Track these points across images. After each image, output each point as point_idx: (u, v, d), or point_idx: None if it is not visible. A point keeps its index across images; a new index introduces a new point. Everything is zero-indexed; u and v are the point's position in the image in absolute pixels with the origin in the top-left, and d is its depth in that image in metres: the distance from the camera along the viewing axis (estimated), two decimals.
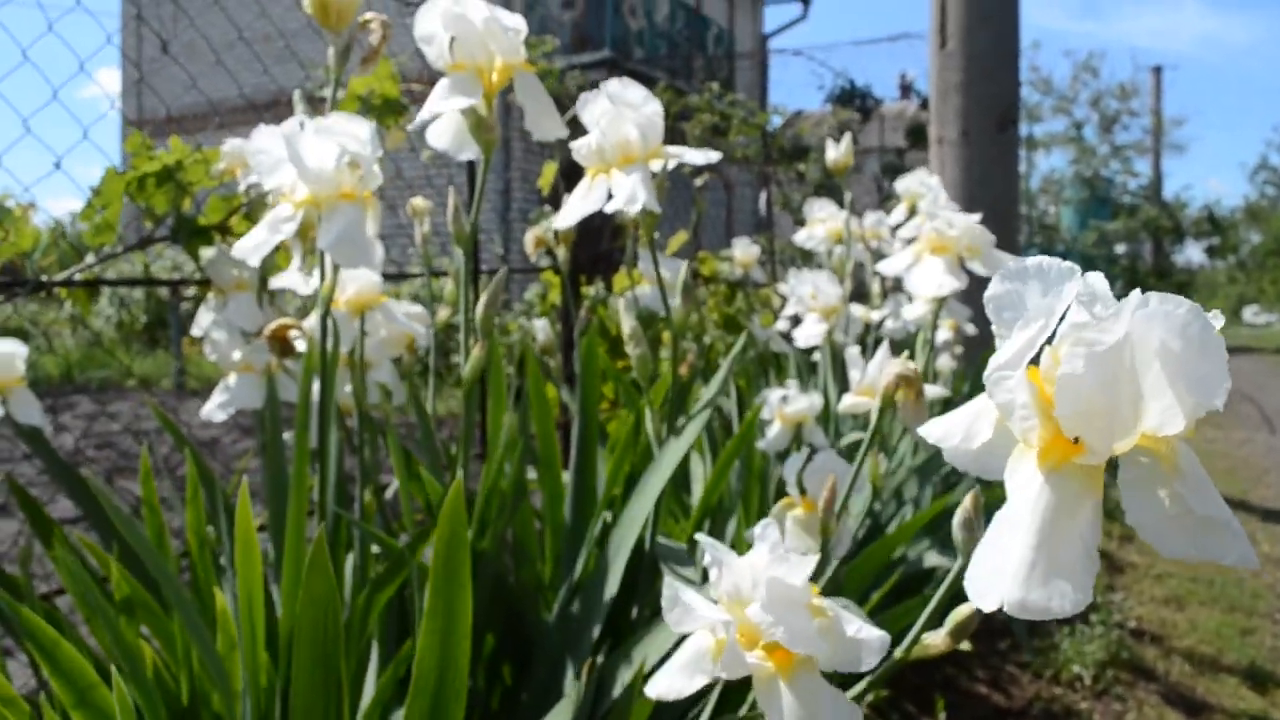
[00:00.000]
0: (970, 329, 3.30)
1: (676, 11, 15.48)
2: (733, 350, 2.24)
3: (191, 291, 8.28)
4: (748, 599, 0.86)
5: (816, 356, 2.95)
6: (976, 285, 2.14)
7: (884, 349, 1.80)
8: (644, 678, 1.11)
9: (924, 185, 3.00)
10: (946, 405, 3.17)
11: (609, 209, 1.18)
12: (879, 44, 14.25)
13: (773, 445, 2.09)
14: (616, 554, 1.54)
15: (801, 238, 3.21)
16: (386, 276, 1.89)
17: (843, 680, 0.89)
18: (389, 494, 1.94)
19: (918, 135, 12.06)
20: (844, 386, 1.93)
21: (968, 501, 0.75)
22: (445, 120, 1.21)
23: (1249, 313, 30.91)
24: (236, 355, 1.76)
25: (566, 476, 1.78)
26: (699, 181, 3.49)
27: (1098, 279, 0.54)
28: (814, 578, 0.87)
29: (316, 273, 1.35)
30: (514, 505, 1.63)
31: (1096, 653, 2.70)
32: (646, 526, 1.58)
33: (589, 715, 1.27)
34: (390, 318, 1.65)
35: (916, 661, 0.86)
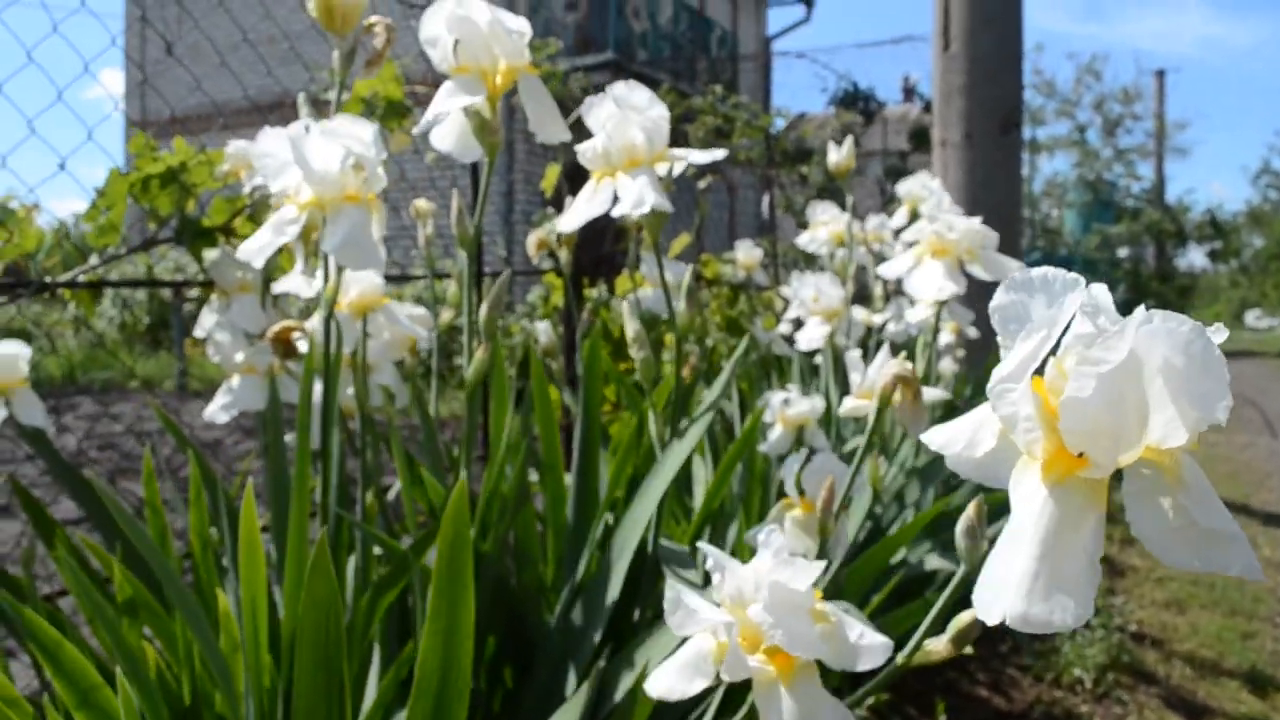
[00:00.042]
0: (973, 332, 3.30)
1: (680, 13, 15.49)
2: (735, 353, 2.24)
3: (194, 293, 8.31)
4: (751, 601, 0.86)
5: (819, 359, 2.95)
6: (979, 287, 2.14)
7: (884, 352, 1.80)
8: (646, 679, 1.11)
9: (925, 188, 3.00)
10: (948, 408, 3.17)
11: (615, 213, 1.18)
12: (882, 46, 14.28)
13: (775, 448, 2.10)
14: (619, 556, 1.54)
15: (804, 240, 3.21)
16: (389, 278, 1.89)
17: (848, 681, 0.89)
18: (391, 495, 1.94)
19: (921, 138, 12.07)
20: (845, 390, 1.93)
21: (971, 510, 0.76)
22: (450, 123, 1.22)
23: (1251, 317, 30.88)
24: (239, 357, 1.76)
25: (569, 479, 1.78)
26: (702, 184, 3.50)
27: (1101, 290, 0.55)
28: (815, 580, 0.87)
29: (319, 275, 1.35)
30: (516, 507, 1.63)
31: (1097, 656, 2.70)
32: (649, 529, 1.58)
33: (591, 718, 1.27)
34: (393, 320, 1.65)
35: (918, 666, 0.87)
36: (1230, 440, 6.94)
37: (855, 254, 2.99)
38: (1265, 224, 28.35)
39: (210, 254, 1.91)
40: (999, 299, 0.57)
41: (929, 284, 1.77)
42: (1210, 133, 78.18)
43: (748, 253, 3.82)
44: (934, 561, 2.21)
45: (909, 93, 17.04)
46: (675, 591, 0.89)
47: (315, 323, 1.48)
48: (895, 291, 3.14)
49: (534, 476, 1.93)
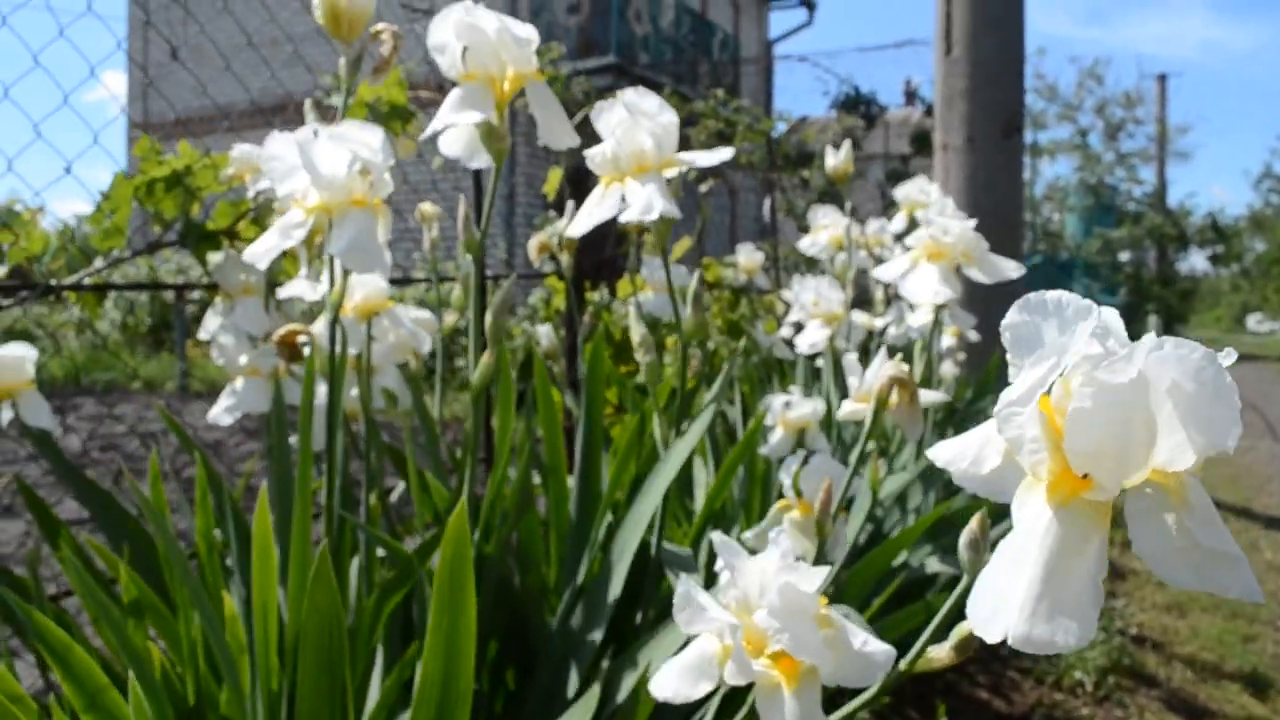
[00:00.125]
0: (973, 335, 3.30)
1: (682, 17, 15.51)
2: (738, 357, 2.25)
3: (196, 294, 8.31)
4: (756, 606, 0.87)
5: (820, 363, 2.96)
6: (978, 289, 2.15)
7: (881, 356, 1.81)
8: (648, 683, 1.12)
9: (924, 193, 3.01)
10: (949, 412, 3.18)
11: (624, 219, 1.19)
12: (884, 50, 14.29)
13: (776, 451, 2.10)
14: (620, 557, 1.55)
15: (806, 244, 3.21)
16: (391, 281, 1.90)
17: (847, 689, 0.90)
18: (393, 497, 1.95)
19: (922, 142, 12.08)
20: (846, 393, 1.93)
21: (974, 523, 0.76)
22: (457, 128, 1.22)
23: (1252, 321, 30.89)
24: (243, 359, 1.77)
25: (571, 481, 1.79)
26: (704, 188, 3.51)
27: (1112, 315, 0.55)
28: (819, 585, 0.88)
29: (324, 279, 1.36)
30: (520, 510, 1.64)
31: (1098, 659, 2.70)
32: (652, 530, 1.59)
33: (597, 718, 1.28)
34: (397, 323, 1.66)
35: (919, 671, 0.87)
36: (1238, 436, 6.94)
37: (855, 258, 3.00)
38: (1267, 228, 28.36)
39: (214, 257, 1.92)
40: (1011, 318, 0.57)
41: (924, 288, 1.77)
42: (1211, 137, 78.24)
43: (749, 256, 3.82)
44: (934, 565, 2.22)
45: (911, 96, 17.05)
46: (686, 587, 0.90)
47: (320, 326, 1.49)
48: (896, 295, 3.15)
49: (536, 479, 1.94)
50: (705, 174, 3.79)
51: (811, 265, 5.56)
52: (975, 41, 4.83)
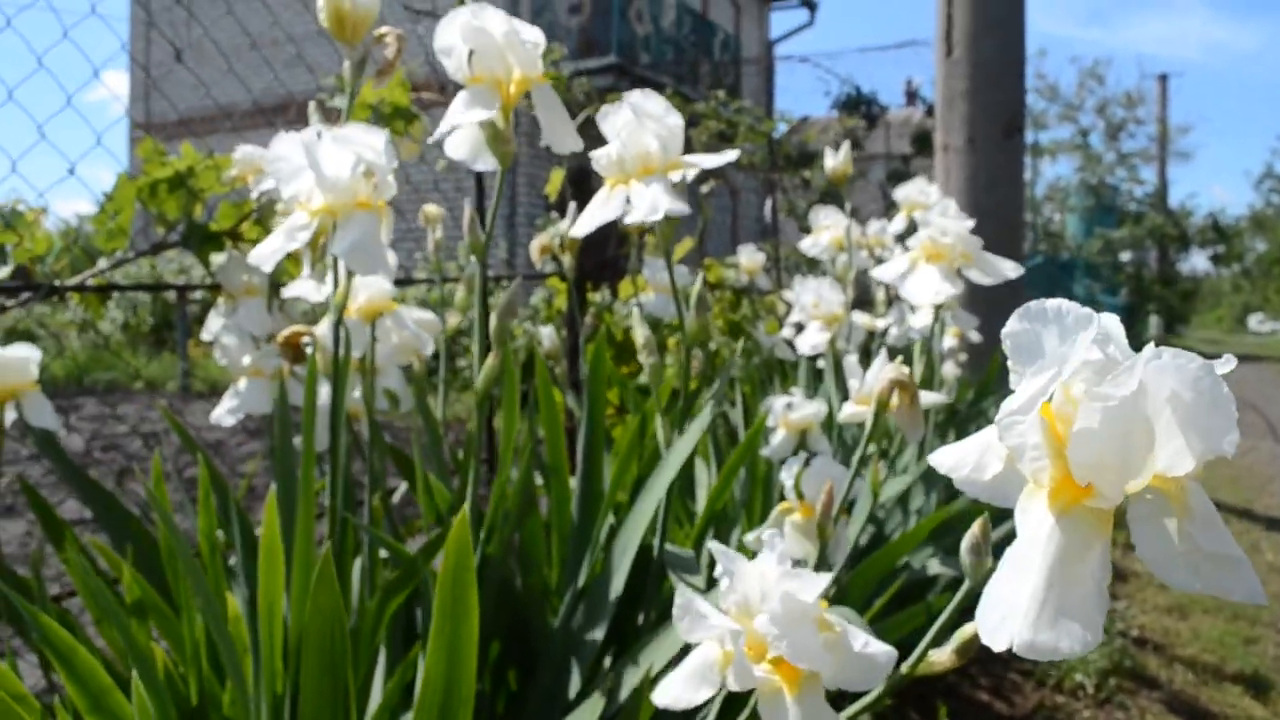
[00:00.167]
0: (975, 336, 3.30)
1: (683, 17, 15.51)
2: (739, 357, 2.25)
3: (198, 294, 8.31)
4: (757, 611, 0.87)
5: (822, 364, 2.96)
6: (981, 291, 2.15)
7: (881, 357, 1.81)
8: (650, 683, 1.12)
9: (924, 193, 3.01)
10: (951, 413, 3.18)
11: (630, 220, 1.19)
12: (885, 51, 14.28)
13: (777, 453, 2.10)
14: (622, 558, 1.55)
15: (807, 245, 3.22)
16: (394, 282, 1.90)
17: (849, 691, 0.90)
18: (395, 498, 1.96)
19: (923, 142, 12.08)
20: (847, 395, 1.94)
21: (976, 527, 0.76)
22: (463, 131, 1.23)
23: (1254, 321, 30.91)
24: (246, 360, 1.77)
25: (573, 482, 1.79)
26: (705, 188, 3.51)
27: (1113, 322, 0.55)
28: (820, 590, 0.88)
29: (328, 280, 1.36)
30: (522, 511, 1.64)
31: (1099, 661, 2.71)
32: (654, 531, 1.59)
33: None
34: (401, 325, 1.66)
35: (921, 675, 0.87)
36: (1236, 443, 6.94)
37: (857, 258, 3.00)
38: (1268, 228, 28.39)
39: (217, 258, 1.92)
40: (1012, 326, 0.58)
41: (924, 289, 1.77)
42: (1213, 137, 78.33)
43: (750, 257, 3.83)
44: (935, 566, 2.22)
45: (912, 96, 17.05)
46: (685, 596, 0.90)
47: (324, 328, 1.50)
48: (897, 296, 3.15)
49: (538, 479, 1.94)
50: (706, 175, 3.78)
51: (813, 266, 5.57)
52: (976, 43, 4.84)
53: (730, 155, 1.25)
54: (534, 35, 1.17)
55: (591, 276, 3.30)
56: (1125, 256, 22.49)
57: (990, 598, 0.55)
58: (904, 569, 2.21)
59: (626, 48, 13.94)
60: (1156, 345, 0.51)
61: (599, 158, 1.22)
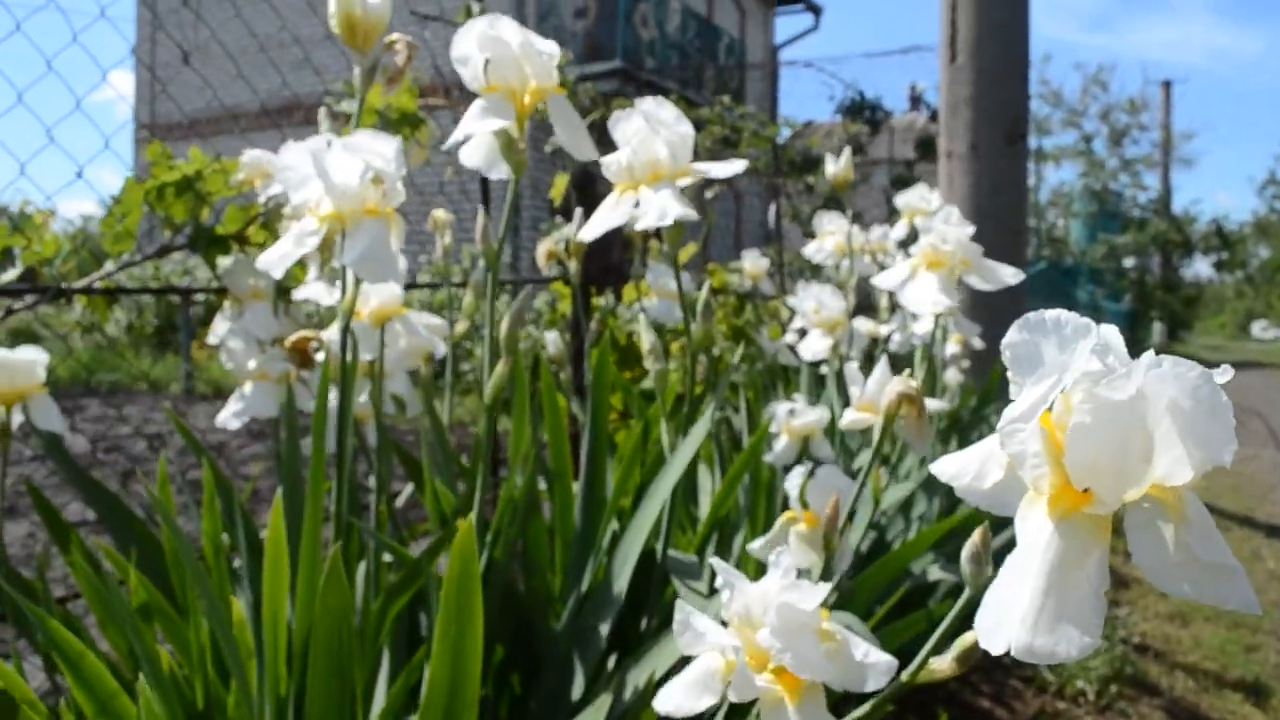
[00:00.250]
0: (978, 343, 3.31)
1: (688, 22, 15.54)
2: (735, 358, 2.25)
3: (201, 296, 8.32)
4: (758, 622, 0.88)
5: (825, 370, 2.97)
6: (984, 297, 2.16)
7: (883, 365, 1.81)
8: (653, 688, 1.13)
9: (925, 200, 3.02)
10: (953, 420, 3.18)
11: (639, 226, 1.20)
12: (890, 56, 14.25)
13: (780, 458, 2.11)
14: (625, 563, 1.56)
15: (811, 250, 3.22)
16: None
17: (850, 699, 0.91)
18: (400, 501, 1.96)
19: (927, 147, 12.08)
20: (849, 401, 1.94)
21: (976, 536, 0.77)
22: (477, 139, 1.24)
23: (1257, 328, 30.89)
24: (252, 364, 1.78)
25: (576, 487, 1.80)
26: (709, 193, 3.51)
27: (1112, 332, 0.56)
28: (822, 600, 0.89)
29: (340, 283, 1.37)
30: (526, 515, 1.65)
31: (1100, 668, 2.71)
32: (657, 536, 1.60)
33: None
34: (411, 330, 1.67)
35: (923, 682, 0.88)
36: (1235, 452, 6.93)
37: (860, 265, 3.00)
38: (1271, 235, 28.38)
39: (224, 261, 1.93)
40: (1012, 336, 0.58)
41: (924, 298, 1.77)
42: (1216, 143, 78.35)
43: (754, 262, 3.83)
44: (936, 573, 2.22)
45: (916, 102, 17.05)
46: (684, 613, 0.91)
47: (332, 332, 1.50)
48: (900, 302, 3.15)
49: (542, 484, 1.95)
50: (711, 180, 3.80)
51: (816, 271, 5.57)
52: (980, 48, 4.84)
53: (739, 166, 1.26)
54: (549, 47, 1.18)
55: (596, 281, 3.31)
56: (1129, 262, 22.48)
57: (989, 602, 0.56)
58: (906, 576, 2.21)
59: (631, 52, 13.96)
60: (1158, 352, 0.52)
61: (609, 164, 1.23)
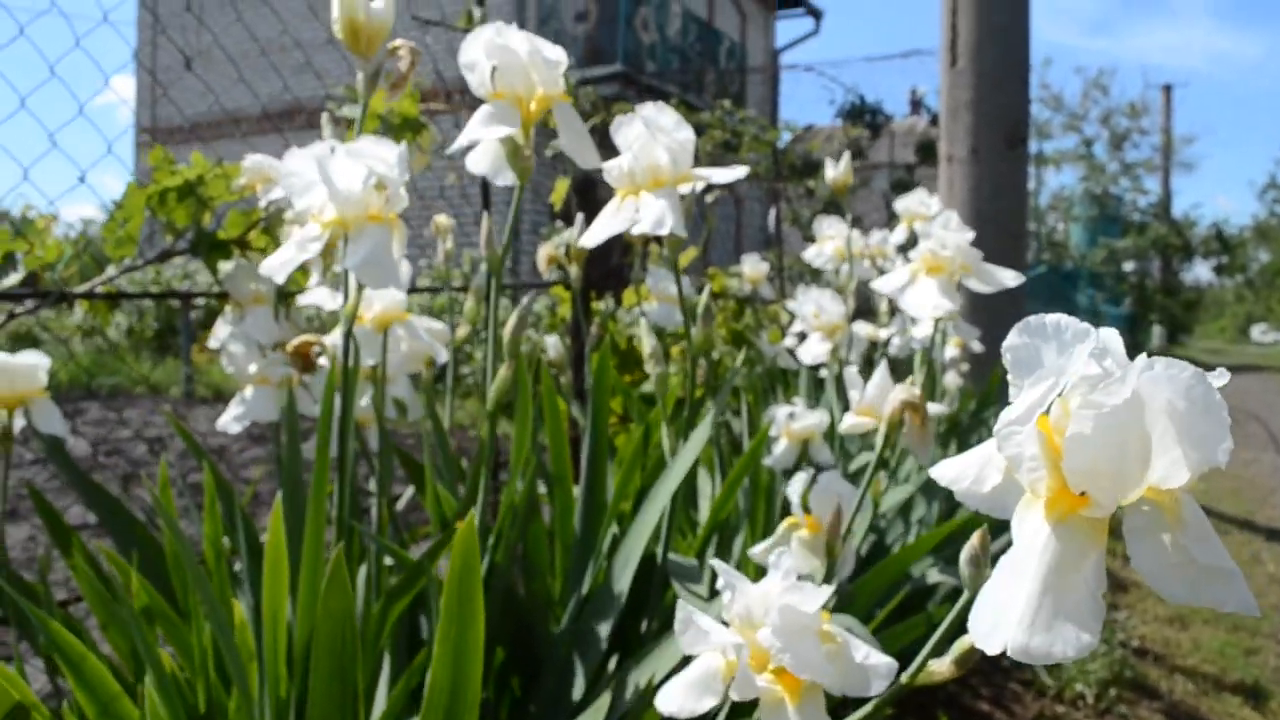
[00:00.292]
0: (977, 346, 3.31)
1: (688, 25, 15.55)
2: (737, 362, 2.26)
3: (200, 299, 8.33)
4: (759, 623, 0.88)
5: (824, 373, 2.97)
6: (984, 301, 2.16)
7: (882, 369, 1.82)
8: (653, 690, 1.13)
9: (924, 205, 3.03)
10: (952, 423, 3.19)
11: (636, 231, 1.20)
12: (890, 60, 14.26)
13: (779, 462, 2.11)
14: (625, 567, 1.56)
15: (811, 255, 3.23)
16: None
17: (849, 701, 0.91)
18: (400, 504, 1.97)
19: (927, 151, 12.08)
20: (849, 405, 1.95)
21: (975, 539, 0.78)
22: (483, 146, 1.24)
23: (1256, 331, 30.90)
24: (253, 368, 1.78)
25: (576, 491, 1.80)
26: (710, 197, 3.52)
27: (1111, 335, 0.57)
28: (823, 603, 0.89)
29: (344, 288, 1.37)
30: (526, 519, 1.66)
31: (1099, 671, 2.71)
32: (657, 540, 1.60)
33: None
34: (414, 335, 1.67)
35: (922, 685, 0.89)
36: (1235, 456, 6.87)
37: (860, 269, 3.01)
38: (1271, 239, 28.39)
39: (225, 266, 1.94)
40: (1011, 340, 0.59)
41: (924, 302, 1.78)
42: (1217, 147, 78.35)
43: (754, 266, 3.84)
44: (935, 576, 2.23)
45: (916, 105, 17.05)
46: (686, 612, 0.91)
47: (335, 337, 1.51)
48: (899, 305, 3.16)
49: (541, 488, 1.95)
50: (711, 184, 3.80)
51: (816, 275, 5.58)
52: (980, 53, 4.85)
53: (740, 172, 1.26)
54: (557, 54, 1.19)
55: (596, 285, 3.31)
56: (1129, 266, 22.50)
57: (985, 603, 0.57)
58: (906, 579, 2.21)
59: (632, 56, 13.98)
60: (1155, 356, 0.53)
61: (610, 169, 1.24)
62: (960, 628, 0.77)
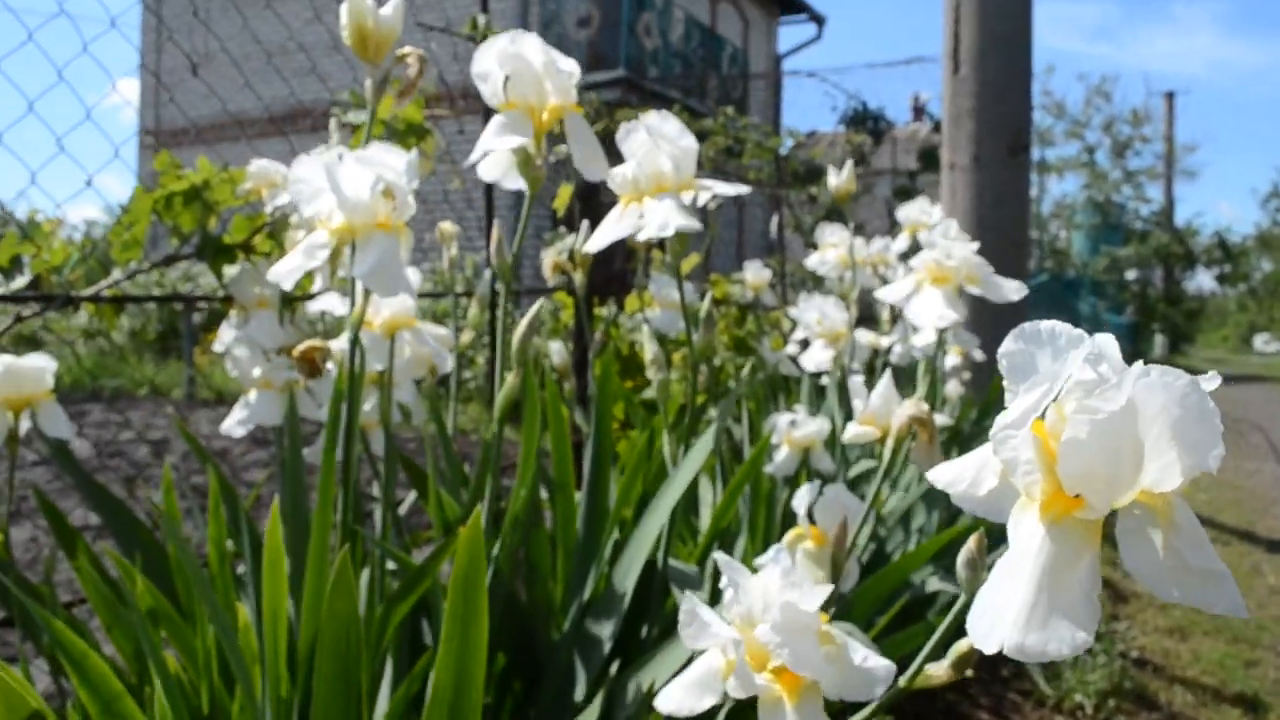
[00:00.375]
0: (979, 355, 3.32)
1: (691, 31, 15.57)
2: (743, 372, 2.27)
3: (202, 302, 8.33)
4: (759, 622, 0.89)
5: (825, 380, 2.98)
6: (985, 309, 2.17)
7: (887, 379, 1.82)
8: (654, 695, 1.14)
9: (926, 213, 3.03)
10: (954, 432, 3.19)
11: (641, 236, 1.21)
12: (893, 67, 14.29)
13: (780, 469, 2.12)
14: (627, 572, 1.57)
15: (814, 262, 3.24)
16: None
17: (849, 701, 0.92)
18: (402, 509, 1.97)
19: (929, 158, 12.10)
20: (850, 413, 1.96)
21: (972, 542, 0.78)
22: (495, 155, 1.25)
23: (1259, 341, 30.87)
24: (257, 372, 1.79)
25: (579, 497, 1.81)
26: (712, 204, 3.53)
27: (1107, 340, 0.58)
28: (823, 606, 0.90)
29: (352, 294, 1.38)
30: (528, 525, 1.66)
31: (1099, 682, 2.71)
32: (658, 547, 1.61)
33: None
34: (421, 341, 1.68)
35: (919, 689, 0.89)
36: (1237, 466, 6.94)
37: (862, 276, 3.02)
38: (1274, 247, 28.37)
39: (230, 270, 1.95)
40: (1008, 345, 0.60)
41: (929, 312, 1.79)
42: (1219, 155, 78.27)
43: (756, 273, 3.85)
44: (935, 584, 2.23)
45: (919, 112, 17.07)
46: (691, 604, 0.92)
47: (342, 343, 1.52)
48: (901, 314, 3.17)
49: (543, 494, 1.96)
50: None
51: (818, 282, 5.59)
52: (983, 60, 4.86)
53: (742, 189, 1.28)
54: (570, 65, 1.20)
55: (599, 291, 3.32)
56: (1131, 275, 22.47)
57: (982, 603, 0.58)
58: (905, 587, 2.22)
59: (635, 61, 14.00)
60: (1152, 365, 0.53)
61: (614, 176, 1.25)
62: (958, 632, 0.77)
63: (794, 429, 2.11)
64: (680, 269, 1.42)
